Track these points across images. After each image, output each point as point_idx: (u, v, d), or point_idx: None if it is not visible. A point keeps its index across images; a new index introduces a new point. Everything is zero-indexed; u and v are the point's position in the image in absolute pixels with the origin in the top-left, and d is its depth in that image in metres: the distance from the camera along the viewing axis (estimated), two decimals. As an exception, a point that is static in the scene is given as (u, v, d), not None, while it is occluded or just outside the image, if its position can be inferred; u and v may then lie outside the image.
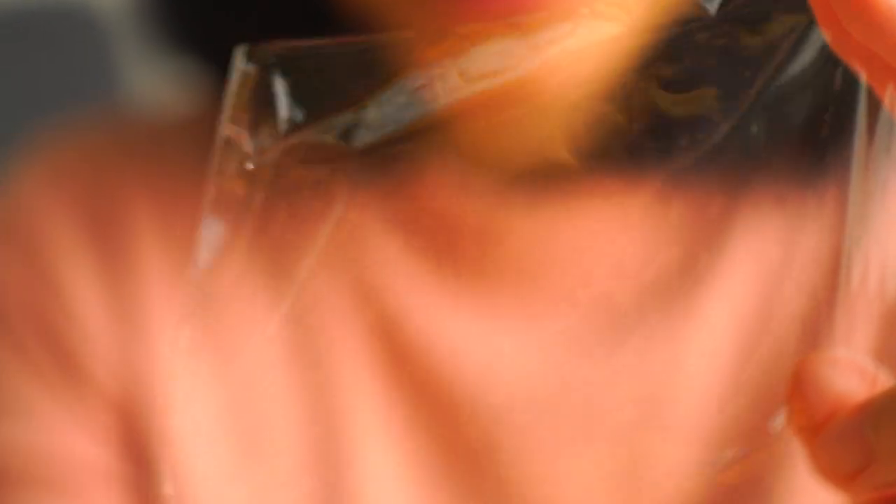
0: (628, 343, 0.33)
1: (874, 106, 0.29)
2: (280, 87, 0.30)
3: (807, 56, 0.30)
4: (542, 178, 0.33)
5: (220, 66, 0.55)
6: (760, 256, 0.45)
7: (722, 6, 0.30)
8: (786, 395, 0.29)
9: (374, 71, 0.30)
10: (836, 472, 0.28)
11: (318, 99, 0.30)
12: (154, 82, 0.73)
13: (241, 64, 0.30)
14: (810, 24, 0.30)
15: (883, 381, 0.29)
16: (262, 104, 0.30)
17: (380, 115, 0.30)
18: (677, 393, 0.43)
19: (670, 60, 0.31)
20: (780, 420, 0.29)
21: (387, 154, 0.30)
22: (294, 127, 0.30)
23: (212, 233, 0.30)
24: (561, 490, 0.39)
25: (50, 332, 0.52)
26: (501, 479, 0.39)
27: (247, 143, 0.30)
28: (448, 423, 0.36)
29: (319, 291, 0.51)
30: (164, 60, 0.59)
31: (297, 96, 0.30)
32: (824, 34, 0.28)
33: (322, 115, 0.30)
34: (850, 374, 0.29)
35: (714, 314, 0.45)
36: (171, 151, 0.55)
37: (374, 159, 0.30)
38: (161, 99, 0.63)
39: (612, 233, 0.38)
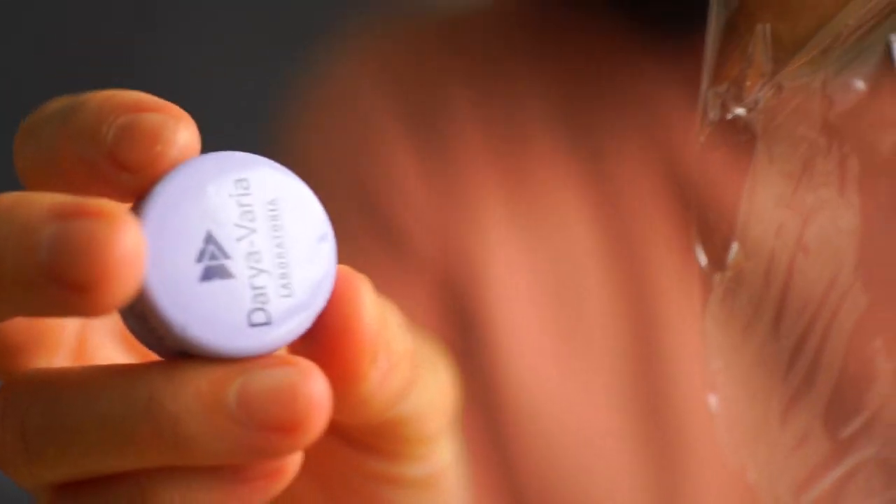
0: None
1: None
2: (760, 34, 0.31)
3: None
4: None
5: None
6: None
7: None
8: None
9: None
10: None
11: (796, 38, 0.31)
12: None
13: (719, 10, 0.31)
14: None
15: None
16: (742, 52, 0.31)
17: None
18: None
19: None
20: None
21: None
22: (776, 74, 0.31)
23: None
24: None
25: (372, 203, 0.53)
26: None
27: (732, 91, 0.31)
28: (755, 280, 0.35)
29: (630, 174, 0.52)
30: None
31: (776, 40, 0.31)
32: None
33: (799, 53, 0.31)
34: None
35: None
36: (484, 38, 0.56)
37: None
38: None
39: None
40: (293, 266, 0.25)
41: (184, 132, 0.25)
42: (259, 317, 0.25)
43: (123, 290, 0.23)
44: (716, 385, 0.34)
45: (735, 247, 0.33)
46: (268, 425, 0.24)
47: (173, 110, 0.25)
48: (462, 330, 0.52)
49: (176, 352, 0.25)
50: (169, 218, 0.24)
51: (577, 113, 0.53)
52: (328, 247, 0.26)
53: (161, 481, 0.26)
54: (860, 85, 0.32)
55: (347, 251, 0.52)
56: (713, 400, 0.34)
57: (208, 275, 0.24)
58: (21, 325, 0.29)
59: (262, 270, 0.25)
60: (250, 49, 1.00)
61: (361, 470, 0.32)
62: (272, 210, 0.25)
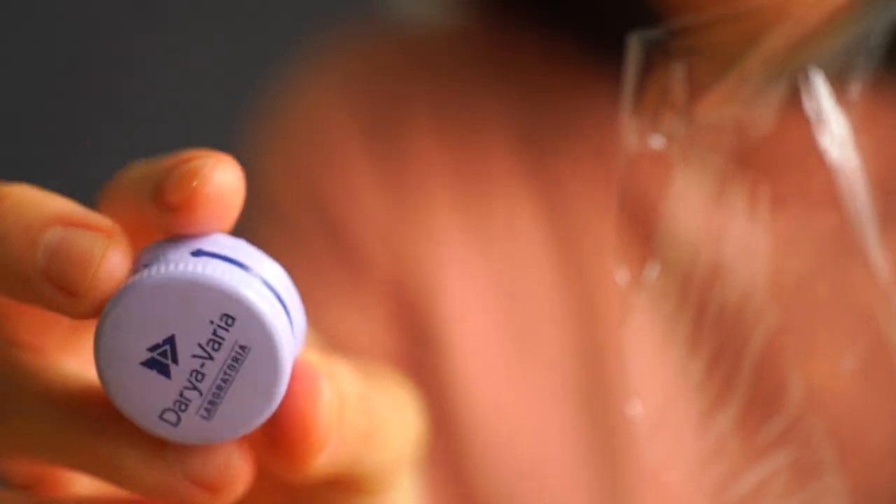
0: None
1: None
2: (676, 71, 0.34)
3: None
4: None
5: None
6: None
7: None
8: None
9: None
10: None
11: (709, 75, 0.34)
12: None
13: (636, 51, 0.33)
14: None
15: None
16: (659, 87, 0.34)
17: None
18: None
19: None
20: None
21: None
22: (691, 108, 0.34)
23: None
24: None
25: (329, 217, 0.55)
26: None
27: (650, 125, 0.34)
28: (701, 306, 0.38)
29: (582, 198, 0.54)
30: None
31: (691, 77, 0.34)
32: None
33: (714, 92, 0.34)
34: None
35: None
36: (446, 60, 0.58)
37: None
38: (426, 12, 0.66)
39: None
40: (224, 403, 0.27)
41: (221, 172, 0.26)
42: (170, 417, 0.26)
43: (103, 301, 0.26)
44: (638, 392, 0.37)
45: (653, 266, 0.36)
46: (196, 481, 0.27)
47: (216, 155, 0.26)
48: (416, 341, 0.54)
49: None
50: (153, 298, 0.26)
51: (533, 133, 0.55)
52: (267, 408, 0.27)
53: None
54: (769, 119, 0.35)
55: (304, 265, 0.56)
56: (637, 406, 0.37)
57: (150, 364, 0.26)
58: None
59: (196, 388, 0.26)
60: (221, 60, 1.02)
61: (317, 496, 0.32)
62: (238, 354, 0.26)
